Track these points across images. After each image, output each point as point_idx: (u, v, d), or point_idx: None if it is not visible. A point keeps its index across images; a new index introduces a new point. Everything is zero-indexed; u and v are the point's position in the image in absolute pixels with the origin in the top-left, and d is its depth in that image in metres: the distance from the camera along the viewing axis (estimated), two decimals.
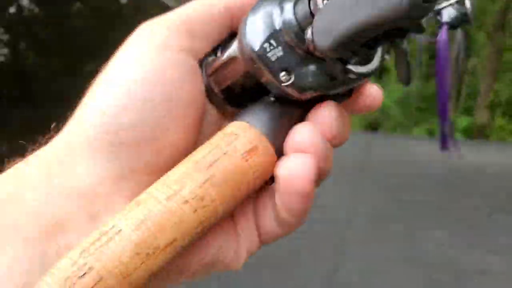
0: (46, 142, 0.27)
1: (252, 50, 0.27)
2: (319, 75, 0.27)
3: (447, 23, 0.32)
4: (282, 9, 0.27)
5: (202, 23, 0.28)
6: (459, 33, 0.33)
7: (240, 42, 0.28)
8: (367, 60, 0.28)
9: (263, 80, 0.28)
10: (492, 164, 5.70)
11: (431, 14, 0.31)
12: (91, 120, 0.26)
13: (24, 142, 0.27)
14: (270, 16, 0.27)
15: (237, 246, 0.28)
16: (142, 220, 0.23)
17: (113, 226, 0.23)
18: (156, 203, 0.23)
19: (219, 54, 0.30)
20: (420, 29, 0.30)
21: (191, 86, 0.28)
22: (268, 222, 0.28)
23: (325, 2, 0.25)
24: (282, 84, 0.27)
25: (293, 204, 0.26)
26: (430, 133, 8.72)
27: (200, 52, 0.29)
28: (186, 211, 0.23)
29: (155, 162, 0.26)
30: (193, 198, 0.24)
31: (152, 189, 0.24)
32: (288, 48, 0.27)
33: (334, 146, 0.28)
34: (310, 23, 0.25)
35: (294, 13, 0.26)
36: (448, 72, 0.32)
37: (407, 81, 0.30)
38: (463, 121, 7.98)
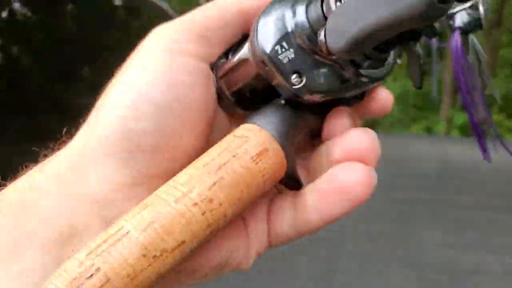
0: (58, 148, 0.27)
1: (264, 52, 0.26)
2: (330, 78, 0.26)
3: (459, 27, 0.31)
4: (294, 12, 0.26)
5: (215, 28, 0.28)
6: (471, 39, 0.32)
7: (252, 44, 0.27)
8: (379, 64, 0.27)
9: (274, 82, 0.27)
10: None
11: (443, 18, 0.31)
12: (105, 126, 0.25)
13: (37, 149, 0.27)
14: (282, 18, 0.26)
15: (247, 248, 0.28)
16: (150, 222, 0.22)
17: (120, 228, 0.22)
18: (165, 205, 0.23)
19: (230, 56, 0.29)
20: (433, 33, 0.29)
21: (204, 90, 0.27)
22: (283, 225, 0.28)
23: (338, 4, 0.25)
24: (293, 87, 0.26)
25: (338, 210, 0.26)
26: (429, 131, 8.75)
27: (213, 56, 0.29)
28: (195, 213, 0.23)
29: (170, 167, 0.26)
30: (201, 201, 0.23)
31: (160, 191, 0.24)
32: (300, 50, 0.26)
33: None
34: (323, 25, 0.25)
35: (307, 16, 0.26)
36: (465, 77, 0.32)
37: (419, 85, 0.29)
38: (459, 118, 7.98)
